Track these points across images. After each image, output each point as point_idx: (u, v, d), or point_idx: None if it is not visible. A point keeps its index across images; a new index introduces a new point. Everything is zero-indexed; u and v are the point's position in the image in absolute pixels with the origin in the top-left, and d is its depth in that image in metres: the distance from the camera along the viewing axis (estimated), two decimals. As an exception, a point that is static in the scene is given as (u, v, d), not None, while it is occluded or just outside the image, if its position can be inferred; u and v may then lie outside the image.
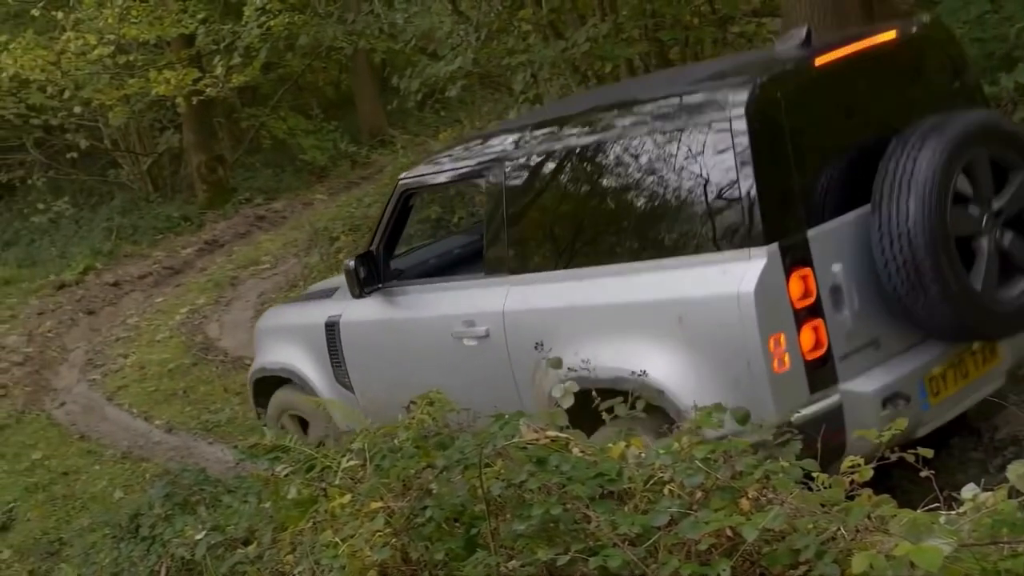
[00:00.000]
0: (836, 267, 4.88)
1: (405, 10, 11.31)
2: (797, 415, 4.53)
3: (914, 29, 5.75)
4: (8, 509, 8.94)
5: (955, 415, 5.26)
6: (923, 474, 3.26)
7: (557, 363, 4.67)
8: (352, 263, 6.53)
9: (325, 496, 4.98)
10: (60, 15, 13.02)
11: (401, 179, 6.78)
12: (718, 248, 4.93)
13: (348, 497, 4.82)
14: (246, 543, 5.69)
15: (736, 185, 4.83)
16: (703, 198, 4.99)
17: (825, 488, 3.34)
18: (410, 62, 12.09)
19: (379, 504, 4.54)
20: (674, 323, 5.03)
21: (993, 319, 5.07)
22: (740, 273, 4.79)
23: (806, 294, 4.81)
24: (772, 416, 4.49)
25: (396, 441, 4.93)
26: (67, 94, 14.16)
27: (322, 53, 20.06)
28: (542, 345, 5.48)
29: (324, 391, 7.09)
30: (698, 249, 5.02)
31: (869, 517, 3.10)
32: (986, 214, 5.04)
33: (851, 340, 4.92)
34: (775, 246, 4.76)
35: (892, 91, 5.44)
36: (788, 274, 4.78)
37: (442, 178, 6.58)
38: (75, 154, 18.65)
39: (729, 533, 3.36)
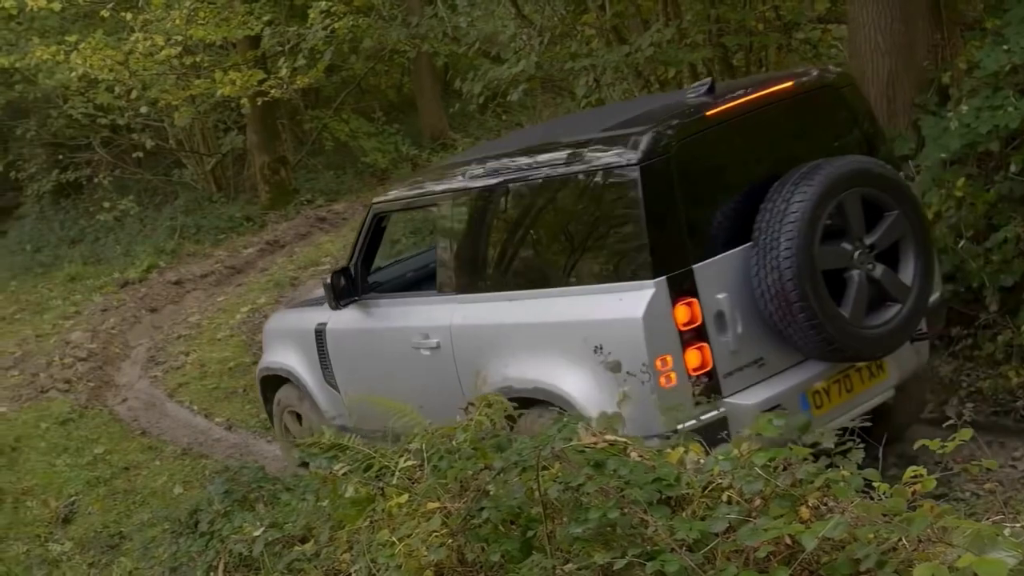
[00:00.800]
0: (721, 296, 5.55)
1: (468, 14, 11.32)
2: (684, 424, 5.07)
3: (814, 78, 6.34)
4: (71, 502, 9.07)
5: (843, 423, 5.30)
6: (987, 487, 3.22)
7: (616, 366, 4.72)
8: (329, 279, 7.32)
9: (382, 495, 5.00)
10: (129, 16, 13.17)
11: (374, 203, 7.60)
12: (618, 279, 5.69)
13: (405, 497, 4.83)
14: (303, 541, 5.72)
15: (631, 224, 5.59)
16: (607, 234, 5.83)
17: (887, 497, 3.30)
18: (472, 66, 12.12)
19: (436, 505, 4.54)
20: (581, 342, 5.74)
21: (861, 342, 5.65)
22: (632, 301, 5.52)
23: (691, 320, 5.50)
24: (659, 427, 5.16)
25: (454, 442, 4.95)
26: (134, 94, 14.31)
27: (385, 56, 20.14)
28: (601, 348, 5.60)
29: (315, 390, 7.88)
30: (603, 279, 5.79)
31: (932, 527, 3.06)
32: (858, 249, 5.66)
33: (735, 359, 5.59)
34: (663, 278, 5.47)
35: (783, 138, 6.03)
36: (674, 302, 5.48)
37: (407, 204, 7.39)
38: (141, 154, 18.87)
39: (788, 541, 3.33)
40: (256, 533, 6.17)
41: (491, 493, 4.23)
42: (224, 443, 9.86)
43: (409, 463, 5.23)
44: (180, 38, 12.76)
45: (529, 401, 5.94)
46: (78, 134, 20.47)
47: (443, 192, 6.84)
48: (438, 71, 23.00)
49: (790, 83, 6.11)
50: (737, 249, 5.65)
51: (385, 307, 7.34)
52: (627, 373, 5.42)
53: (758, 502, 3.60)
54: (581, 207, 5.98)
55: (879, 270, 5.72)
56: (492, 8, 11.99)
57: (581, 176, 5.92)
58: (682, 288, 5.50)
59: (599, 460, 3.85)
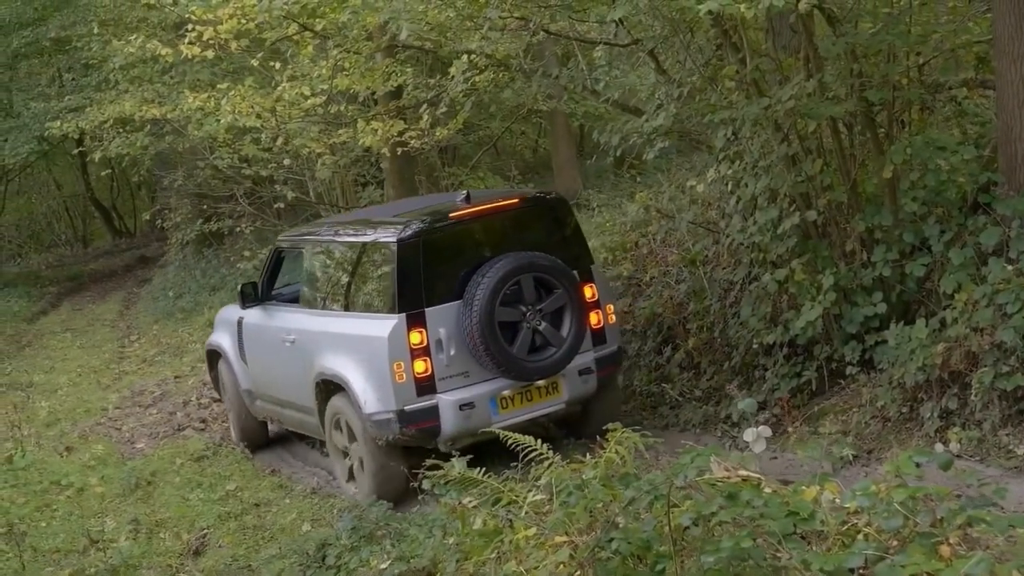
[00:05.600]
0: (441, 330, 8.72)
1: (606, 72, 11.39)
2: (408, 407, 8.63)
3: (534, 197, 9.74)
4: (202, 535, 9.23)
5: (521, 420, 8.79)
6: None
7: (752, 406, 4.73)
8: (240, 288, 10.97)
9: (511, 527, 5.00)
10: (277, 65, 13.57)
11: (277, 240, 11.29)
12: (380, 311, 8.98)
13: (533, 530, 4.82)
14: (429, 574, 5.74)
15: (390, 278, 8.87)
16: (378, 282, 9.18)
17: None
18: (609, 122, 12.19)
19: (564, 538, 4.52)
20: (358, 347, 9.06)
21: (523, 370, 8.82)
22: (385, 326, 8.75)
23: (420, 342, 8.67)
24: (393, 405, 8.64)
25: (583, 477, 4.93)
26: (280, 140, 14.68)
27: (523, 114, 20.32)
28: None
29: (234, 362, 11.34)
30: (375, 310, 9.10)
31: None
32: (528, 311, 8.82)
33: (448, 370, 8.75)
34: (404, 314, 8.67)
35: (501, 235, 9.17)
36: (409, 329, 8.65)
37: (291, 245, 10.78)
38: (282, 205, 19.28)
39: (927, 580, 3.24)
40: (383, 566, 6.24)
41: (620, 525, 4.20)
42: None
43: (537, 497, 5.23)
44: (325, 87, 13.08)
45: (336, 386, 9.21)
46: (222, 186, 21.04)
47: (306, 240, 10.47)
48: (574, 132, 23.14)
49: (516, 200, 9.44)
50: (455, 302, 8.76)
51: (274, 311, 10.67)
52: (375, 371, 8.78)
53: (895, 542, 3.52)
54: (369, 263, 9.37)
55: (543, 326, 8.86)
56: (630, 68, 12.06)
57: (371, 244, 9.35)
58: (416, 321, 8.66)
59: (732, 491, 3.80)
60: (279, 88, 13.32)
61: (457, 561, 5.27)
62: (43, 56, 26.25)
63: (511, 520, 5.14)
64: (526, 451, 6.02)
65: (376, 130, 12.89)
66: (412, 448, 8.81)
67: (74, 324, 22.65)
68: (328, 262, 10.00)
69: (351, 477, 9.42)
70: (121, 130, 20.43)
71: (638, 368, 10.82)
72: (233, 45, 12.27)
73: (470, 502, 5.51)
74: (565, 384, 9.03)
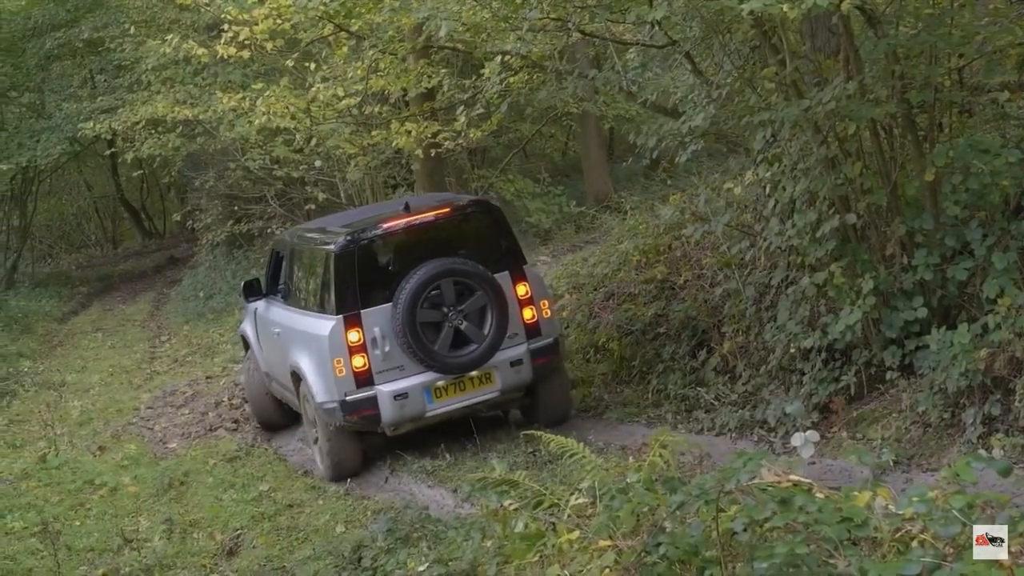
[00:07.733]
0: (376, 329, 9.69)
1: (640, 73, 11.31)
2: (349, 396, 9.68)
3: (465, 203, 10.64)
4: (236, 535, 9.21)
5: (456, 408, 9.95)
6: None
7: (800, 410, 4.65)
8: (243, 283, 12.28)
9: (554, 531, 4.96)
10: (312, 67, 13.56)
11: (272, 242, 12.74)
12: (324, 312, 10.01)
13: (576, 533, 4.78)
14: (468, 577, 5.68)
15: (329, 283, 9.95)
16: (324, 286, 10.14)
17: None
18: (642, 124, 12.11)
19: (608, 542, 4.48)
20: (309, 344, 10.11)
21: (445, 365, 9.76)
22: (326, 325, 9.79)
23: (357, 340, 9.67)
24: (336, 395, 9.68)
25: (627, 481, 4.87)
26: (313, 142, 14.69)
27: (556, 116, 20.24)
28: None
29: (255, 346, 12.40)
30: (320, 310, 10.15)
31: None
32: (450, 311, 9.72)
33: (384, 364, 9.73)
34: (342, 316, 9.69)
35: (438, 241, 9.99)
36: (347, 329, 9.66)
37: (279, 248, 12.03)
38: (312, 206, 19.32)
39: (987, 588, 3.17)
40: (421, 568, 6.19)
41: (668, 530, 4.15)
42: (386, 487, 9.90)
43: (580, 501, 5.18)
44: (360, 88, 13.08)
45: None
46: (253, 187, 21.08)
47: (285, 244, 11.81)
48: (604, 135, 23.06)
49: (448, 208, 10.26)
50: (387, 304, 9.70)
51: (271, 305, 11.76)
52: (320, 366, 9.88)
53: (951, 550, 3.45)
54: (319, 269, 10.32)
55: (465, 324, 9.74)
56: (666, 68, 11.97)
57: (319, 252, 10.41)
58: (352, 322, 9.65)
59: (785, 497, 3.74)
60: (313, 89, 13.32)
61: (498, 564, 5.23)
62: (75, 57, 26.37)
63: (553, 523, 5.09)
64: (564, 452, 5.99)
65: (410, 131, 12.86)
66: (363, 432, 10.11)
67: (105, 324, 22.77)
68: (297, 265, 11.21)
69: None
70: (153, 131, 20.52)
71: (672, 371, 10.75)
72: (268, 46, 12.27)
73: (511, 505, 5.46)
74: (498, 374, 9.95)
